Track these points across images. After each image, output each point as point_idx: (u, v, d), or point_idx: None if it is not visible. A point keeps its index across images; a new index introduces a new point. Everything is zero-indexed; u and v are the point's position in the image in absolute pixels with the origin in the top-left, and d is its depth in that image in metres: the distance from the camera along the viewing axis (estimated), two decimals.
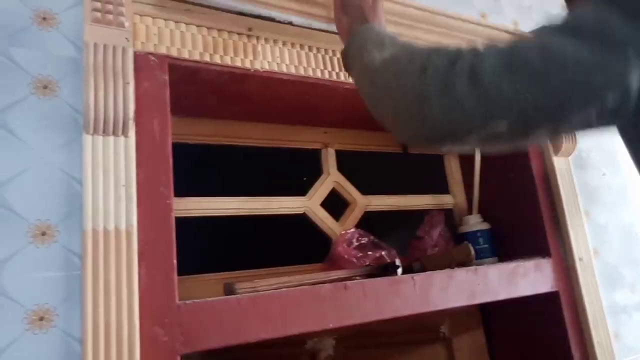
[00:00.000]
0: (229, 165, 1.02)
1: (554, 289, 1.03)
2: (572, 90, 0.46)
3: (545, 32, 0.51)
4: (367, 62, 0.62)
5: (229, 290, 0.70)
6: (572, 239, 1.07)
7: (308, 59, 0.86)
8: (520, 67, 0.48)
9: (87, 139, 0.63)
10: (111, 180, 0.63)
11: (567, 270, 1.06)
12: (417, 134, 0.56)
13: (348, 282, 0.78)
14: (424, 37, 0.96)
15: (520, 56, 0.48)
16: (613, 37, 0.46)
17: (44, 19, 0.66)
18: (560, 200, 1.09)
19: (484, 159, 1.18)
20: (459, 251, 0.98)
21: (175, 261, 0.66)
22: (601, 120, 0.49)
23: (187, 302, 0.65)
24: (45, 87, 0.64)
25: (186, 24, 0.75)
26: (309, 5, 0.83)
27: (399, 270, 0.87)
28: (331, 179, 1.11)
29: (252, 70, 0.80)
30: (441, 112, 0.51)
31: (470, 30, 1.02)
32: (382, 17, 0.76)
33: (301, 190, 1.07)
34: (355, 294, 0.78)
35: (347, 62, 0.70)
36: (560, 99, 0.47)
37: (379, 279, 0.82)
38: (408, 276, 0.85)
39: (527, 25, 1.23)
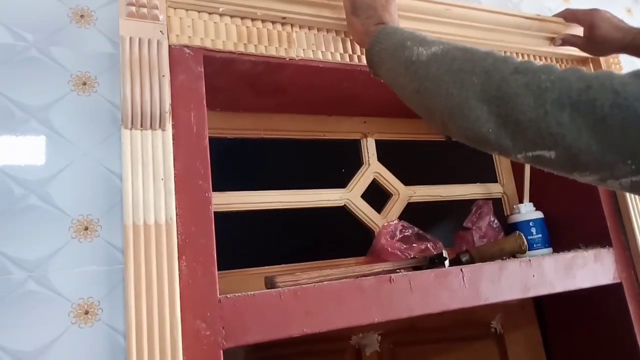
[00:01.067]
0: (266, 158, 1.01)
1: (616, 280, 0.96)
2: None
3: None
4: (408, 56, 0.59)
5: (270, 283, 0.69)
6: (636, 226, 0.99)
7: (345, 45, 0.84)
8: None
9: (126, 133, 0.63)
10: (150, 174, 0.63)
11: (630, 260, 0.99)
12: (460, 130, 0.53)
13: (393, 275, 0.75)
14: (440, 30, 0.90)
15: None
16: None
17: (82, 16, 0.67)
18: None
19: None
20: (510, 241, 0.93)
21: (215, 254, 0.65)
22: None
23: (229, 296, 0.64)
24: (84, 84, 0.64)
25: (220, 15, 0.74)
26: (317, 8, 0.80)
27: (447, 262, 0.83)
28: (372, 169, 1.08)
29: (287, 59, 0.78)
30: (497, 122, 0.49)
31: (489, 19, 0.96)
32: (396, 17, 0.72)
33: (342, 182, 1.05)
34: (401, 287, 0.75)
35: (373, 60, 0.67)
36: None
37: (425, 271, 0.78)
38: (456, 268, 0.81)
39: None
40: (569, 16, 1.00)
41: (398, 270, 0.80)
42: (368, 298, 0.72)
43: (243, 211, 0.92)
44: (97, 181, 0.62)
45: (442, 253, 0.83)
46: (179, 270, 0.62)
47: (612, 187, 0.48)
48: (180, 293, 0.61)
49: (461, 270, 0.81)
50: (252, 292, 0.66)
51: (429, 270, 0.79)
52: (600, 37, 0.94)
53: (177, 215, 0.64)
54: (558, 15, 1.03)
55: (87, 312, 0.57)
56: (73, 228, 0.59)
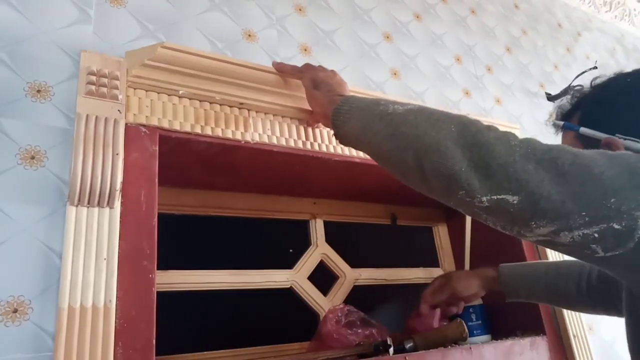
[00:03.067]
0: (214, 236, 1.00)
1: None
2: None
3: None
4: (383, 110, 0.62)
5: None
6: (566, 314, 1.04)
7: (298, 131, 0.88)
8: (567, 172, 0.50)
9: (71, 210, 0.61)
10: (93, 253, 0.61)
11: (562, 348, 1.03)
12: (434, 165, 0.55)
13: None
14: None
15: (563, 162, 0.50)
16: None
17: (38, 91, 0.67)
18: None
19: (473, 229, 1.18)
20: (452, 328, 0.94)
21: (154, 341, 0.62)
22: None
23: None
24: (32, 158, 0.63)
25: (179, 97, 0.76)
26: (275, 96, 0.84)
27: (391, 350, 0.83)
28: (319, 250, 1.09)
29: (242, 142, 0.81)
30: (470, 169, 0.52)
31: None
32: (350, 92, 0.79)
33: (290, 263, 1.05)
34: None
35: (339, 119, 0.68)
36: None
37: (369, 359, 0.78)
38: (400, 356, 0.81)
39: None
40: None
41: (343, 358, 0.79)
42: None
43: (186, 291, 0.89)
44: (34, 259, 0.59)
45: (386, 340, 0.83)
46: (114, 358, 0.58)
47: (562, 244, 0.51)
48: None
49: (405, 358, 0.81)
50: None
51: (373, 358, 0.79)
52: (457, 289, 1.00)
53: (117, 297, 0.61)
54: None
55: None
56: (1, 310, 0.55)
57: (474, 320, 1.09)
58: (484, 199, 0.51)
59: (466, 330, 0.94)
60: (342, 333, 0.89)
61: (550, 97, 1.52)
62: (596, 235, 0.48)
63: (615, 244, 0.47)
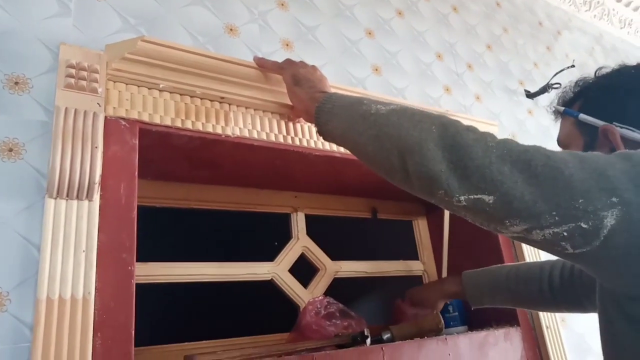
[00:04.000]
0: (196, 229, 1.01)
1: (523, 359, 1.02)
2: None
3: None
4: (366, 110, 0.64)
5: None
6: None
7: (279, 125, 0.88)
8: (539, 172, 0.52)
9: (50, 202, 0.62)
10: (71, 245, 0.61)
11: (535, 339, 1.06)
12: (415, 165, 0.57)
13: (315, 354, 0.75)
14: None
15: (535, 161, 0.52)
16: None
17: (16, 83, 0.66)
18: None
19: (452, 223, 1.20)
20: (428, 320, 0.97)
21: (133, 332, 0.63)
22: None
23: None
24: (10, 150, 0.63)
25: (159, 90, 0.77)
26: (255, 90, 0.85)
27: (368, 341, 0.85)
28: (300, 243, 1.10)
29: (223, 136, 0.81)
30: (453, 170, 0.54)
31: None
32: (330, 88, 0.80)
33: (271, 255, 1.06)
34: None
35: (321, 117, 0.70)
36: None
37: (346, 349, 0.80)
38: (377, 347, 0.83)
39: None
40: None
41: (321, 349, 0.80)
42: None
43: (168, 283, 0.90)
44: (12, 252, 0.59)
45: (364, 331, 0.85)
46: (92, 349, 0.59)
47: (534, 241, 0.53)
48: None
49: (382, 349, 0.83)
50: None
51: (350, 349, 0.81)
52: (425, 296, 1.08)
53: (96, 289, 0.62)
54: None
55: None
56: None
57: (451, 312, 1.12)
58: (462, 198, 0.54)
59: (442, 321, 0.96)
60: (321, 324, 0.90)
61: (530, 95, 1.55)
62: (565, 233, 0.50)
63: (583, 242, 0.50)
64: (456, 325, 1.10)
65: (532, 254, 1.13)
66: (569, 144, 0.72)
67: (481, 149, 0.53)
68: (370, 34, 1.17)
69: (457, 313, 1.12)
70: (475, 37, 1.48)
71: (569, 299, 0.86)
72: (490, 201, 0.52)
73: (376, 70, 1.13)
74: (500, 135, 1.23)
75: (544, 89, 1.56)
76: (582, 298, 0.83)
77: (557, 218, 0.50)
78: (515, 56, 1.60)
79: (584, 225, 0.49)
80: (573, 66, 1.52)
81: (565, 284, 0.86)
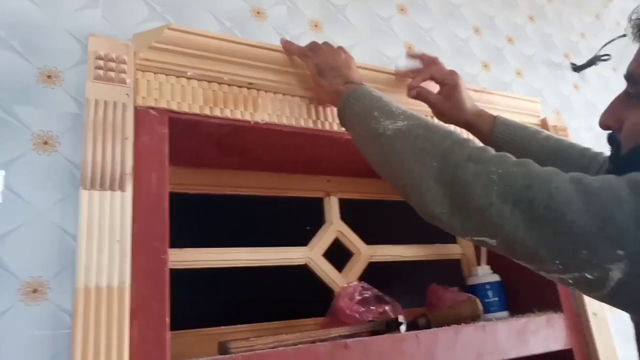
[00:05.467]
0: (229, 215, 1.01)
1: (567, 347, 0.98)
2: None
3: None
4: (375, 127, 0.63)
5: (223, 349, 0.68)
6: None
7: (308, 110, 0.87)
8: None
9: (84, 193, 0.63)
10: (106, 235, 0.63)
11: (580, 326, 1.02)
12: (417, 206, 0.58)
13: (348, 341, 0.75)
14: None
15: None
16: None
17: (49, 76, 0.68)
18: None
19: None
20: (465, 306, 0.94)
21: (167, 319, 0.64)
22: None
23: None
24: (45, 143, 0.64)
25: (187, 78, 0.77)
26: (283, 75, 0.84)
27: (403, 327, 0.83)
28: (334, 228, 1.09)
29: (252, 123, 0.81)
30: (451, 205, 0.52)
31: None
32: (357, 72, 0.78)
33: (305, 240, 1.06)
34: (356, 353, 0.75)
35: (344, 123, 0.73)
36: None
37: (380, 336, 0.79)
38: (412, 333, 0.81)
39: None
40: (436, 73, 0.90)
41: (354, 335, 0.80)
42: None
43: (201, 268, 0.91)
44: (50, 242, 0.61)
45: (398, 317, 0.84)
46: (129, 336, 0.60)
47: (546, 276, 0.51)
48: (129, 359, 0.59)
49: (417, 335, 0.81)
50: (202, 359, 0.65)
51: (384, 335, 0.80)
52: (457, 103, 0.87)
53: (131, 278, 0.63)
54: (416, 56, 0.94)
55: None
56: (21, 290, 0.58)
57: (490, 297, 1.09)
58: (467, 238, 0.54)
59: (480, 307, 0.94)
60: (355, 310, 0.90)
61: (576, 68, 1.47)
62: (571, 281, 0.48)
63: (590, 290, 0.47)
64: (495, 310, 1.06)
65: None
66: None
67: (481, 185, 0.50)
68: (402, 10, 1.12)
69: (497, 298, 1.08)
70: (516, 8, 1.40)
71: None
72: (494, 243, 0.50)
73: (409, 48, 1.09)
74: (543, 111, 1.17)
75: (591, 62, 1.47)
76: None
77: (560, 266, 0.47)
78: (560, 27, 1.50)
79: (588, 276, 0.46)
80: (624, 35, 1.42)
81: None
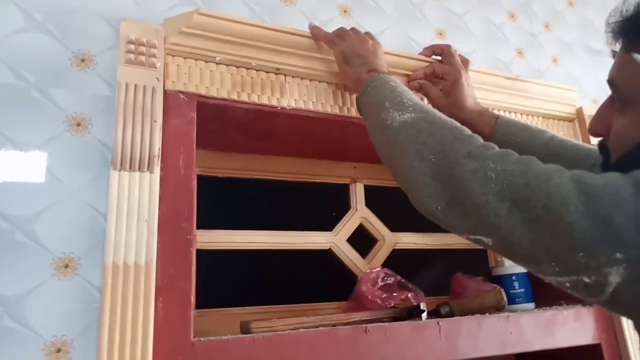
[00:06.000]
0: (256, 198, 1.03)
1: (595, 341, 0.96)
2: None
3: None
4: (384, 118, 0.63)
5: (245, 329, 0.70)
6: None
7: (335, 96, 0.87)
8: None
9: (114, 174, 0.65)
10: (134, 215, 0.65)
11: (610, 321, 0.99)
12: (414, 201, 0.58)
13: (369, 326, 0.75)
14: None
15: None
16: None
17: (82, 60, 0.70)
18: None
19: None
20: (490, 296, 0.93)
21: (192, 297, 0.67)
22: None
23: (202, 339, 0.65)
24: (78, 125, 0.67)
25: (216, 63, 0.78)
26: (310, 60, 0.83)
27: (424, 315, 0.83)
28: (358, 214, 1.09)
29: (279, 108, 0.81)
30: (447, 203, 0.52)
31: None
32: (384, 60, 0.77)
33: (330, 226, 1.07)
34: (376, 339, 0.75)
35: (360, 109, 0.73)
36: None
37: (401, 323, 0.79)
38: (433, 321, 0.81)
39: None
40: (438, 67, 0.89)
41: (375, 321, 0.80)
42: (343, 348, 0.73)
43: (228, 250, 0.93)
44: (82, 220, 0.64)
45: (419, 305, 0.84)
46: (154, 312, 0.63)
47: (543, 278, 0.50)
48: (154, 335, 0.62)
49: (438, 323, 0.81)
50: (226, 337, 0.67)
51: (405, 322, 0.80)
52: (456, 100, 0.84)
53: (157, 256, 0.65)
54: (426, 52, 0.92)
55: (59, 351, 0.58)
56: (54, 265, 0.61)
57: (517, 288, 1.07)
58: (463, 236, 0.53)
59: (504, 298, 0.93)
60: (377, 295, 0.90)
61: None
62: (568, 284, 0.46)
63: (588, 294, 0.46)
64: (521, 302, 1.05)
65: None
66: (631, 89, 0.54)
67: (479, 183, 0.49)
68: None
69: (523, 289, 1.06)
70: None
71: None
72: (490, 242, 0.49)
73: (440, 34, 1.07)
74: (581, 100, 1.12)
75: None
76: None
77: (557, 269, 0.45)
78: (603, 11, 1.44)
79: (586, 280, 0.44)
80: None
81: None
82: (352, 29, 0.80)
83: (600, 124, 0.57)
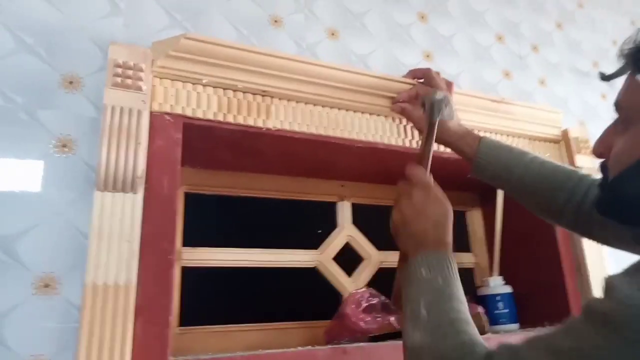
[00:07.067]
0: (243, 216, 1.04)
1: None
2: None
3: None
4: (411, 310, 0.60)
5: None
6: None
7: (320, 117, 0.88)
8: None
9: (97, 195, 0.67)
10: (116, 235, 0.66)
11: None
12: None
13: (347, 346, 0.76)
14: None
15: None
16: None
17: (71, 82, 0.72)
18: (584, 264, 1.04)
19: (506, 216, 1.15)
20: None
21: (171, 317, 0.67)
22: None
23: (180, 358, 0.66)
24: (64, 146, 0.68)
25: (202, 85, 0.79)
26: (297, 83, 0.85)
27: None
28: (345, 232, 1.10)
29: (264, 129, 0.83)
30: None
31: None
32: (444, 230, 0.68)
33: (317, 244, 1.08)
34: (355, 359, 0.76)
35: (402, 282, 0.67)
36: None
37: (381, 344, 0.80)
38: None
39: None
40: (421, 90, 0.89)
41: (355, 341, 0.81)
42: None
43: (213, 267, 0.94)
44: (65, 239, 0.65)
45: (400, 332, 0.84)
46: (133, 332, 0.64)
47: None
48: (132, 355, 0.63)
49: None
50: (204, 356, 0.68)
51: (385, 342, 0.81)
52: (441, 121, 0.81)
53: (138, 276, 0.66)
54: (409, 76, 0.94)
55: None
56: (34, 284, 0.62)
57: (501, 308, 1.08)
58: None
59: (485, 321, 0.93)
60: (360, 317, 0.91)
61: (605, 77, 1.42)
62: None
63: None
64: (505, 322, 1.06)
65: (595, 265, 1.06)
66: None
67: None
68: (422, 17, 1.12)
69: (507, 310, 1.07)
70: (543, 14, 1.37)
71: (593, 228, 0.74)
72: None
73: (428, 56, 1.09)
74: (567, 121, 1.13)
75: (623, 69, 1.42)
76: (610, 238, 0.71)
77: None
78: (591, 33, 1.46)
79: None
80: None
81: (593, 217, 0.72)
82: (428, 187, 0.69)
83: (603, 145, 0.58)
